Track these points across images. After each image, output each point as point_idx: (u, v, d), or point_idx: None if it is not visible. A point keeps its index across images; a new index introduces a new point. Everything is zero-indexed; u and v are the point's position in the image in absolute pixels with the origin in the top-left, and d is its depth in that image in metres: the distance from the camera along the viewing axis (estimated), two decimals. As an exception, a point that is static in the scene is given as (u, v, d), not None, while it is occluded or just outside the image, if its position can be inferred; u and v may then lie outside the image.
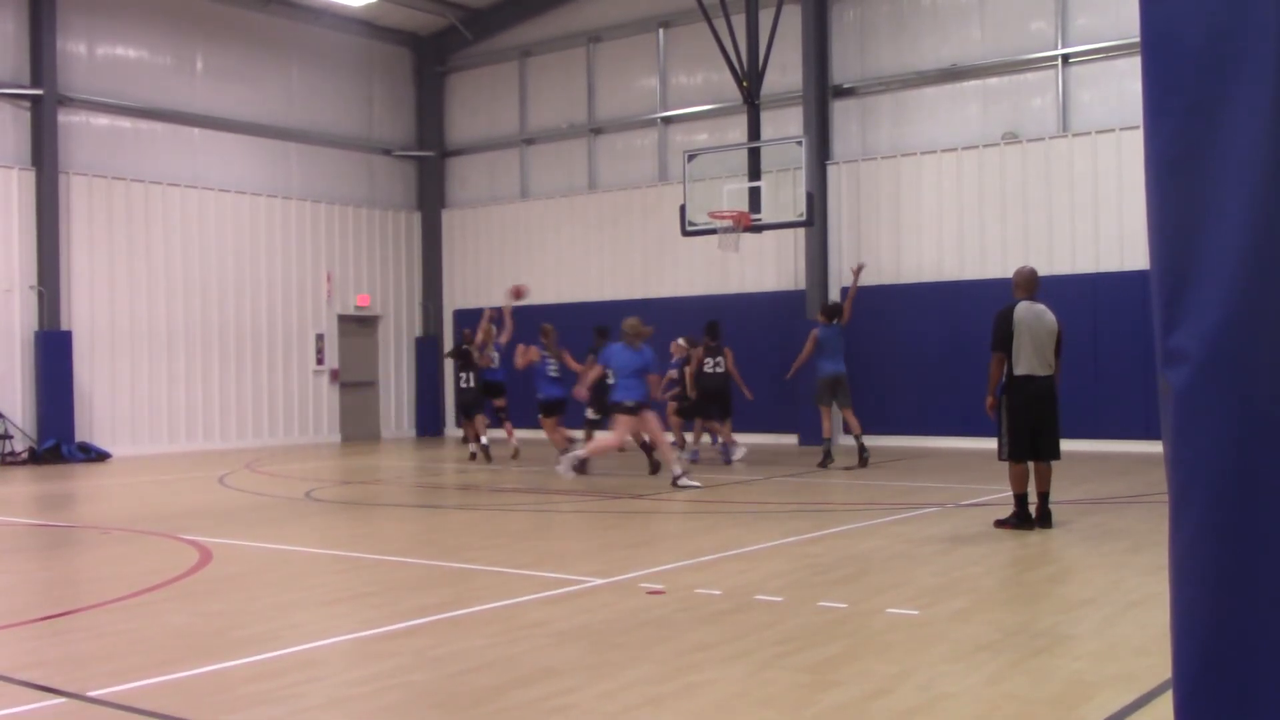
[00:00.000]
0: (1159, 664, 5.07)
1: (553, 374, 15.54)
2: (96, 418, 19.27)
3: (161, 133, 20.48)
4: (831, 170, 19.54)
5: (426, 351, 24.29)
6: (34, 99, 18.79)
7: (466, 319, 23.07)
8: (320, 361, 22.58)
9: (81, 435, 18.93)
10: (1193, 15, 2.43)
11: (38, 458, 18.12)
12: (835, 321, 15.03)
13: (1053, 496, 9.58)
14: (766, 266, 20.15)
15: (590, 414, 15.15)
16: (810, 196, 16.98)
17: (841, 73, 19.62)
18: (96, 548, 9.61)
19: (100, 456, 18.68)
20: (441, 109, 24.63)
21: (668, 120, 21.62)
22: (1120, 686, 4.81)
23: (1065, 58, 17.64)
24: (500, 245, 23.66)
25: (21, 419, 18.53)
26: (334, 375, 22.81)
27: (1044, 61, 17.84)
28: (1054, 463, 9.33)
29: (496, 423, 17.84)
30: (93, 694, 4.98)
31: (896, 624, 6.04)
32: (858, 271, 15.92)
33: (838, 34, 19.63)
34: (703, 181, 17.48)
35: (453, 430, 22.99)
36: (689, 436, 16.45)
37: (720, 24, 17.04)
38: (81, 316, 19.22)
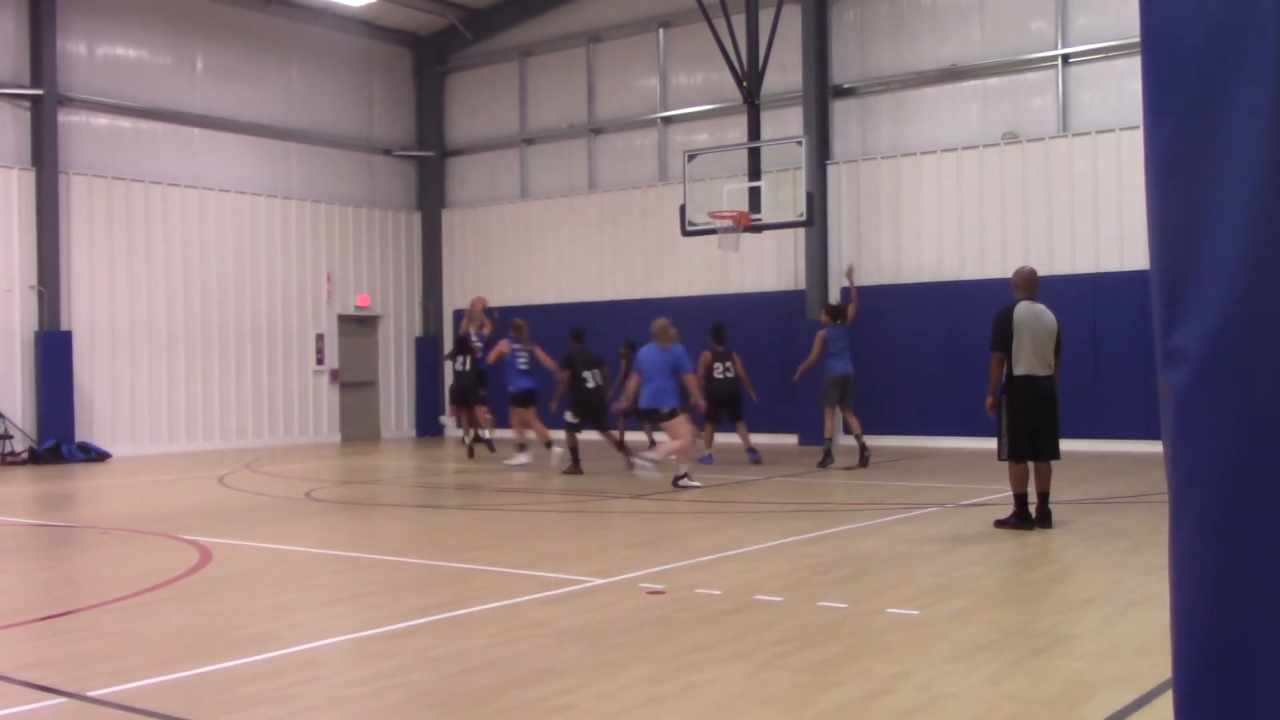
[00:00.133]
0: (1159, 664, 5.08)
1: (523, 366, 15.64)
2: (96, 418, 19.27)
3: (161, 133, 20.48)
4: (831, 170, 19.54)
5: (426, 351, 24.29)
6: (34, 99, 18.79)
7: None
8: (320, 361, 22.58)
9: (81, 435, 18.92)
10: (1193, 15, 2.43)
11: (38, 458, 18.12)
12: (839, 321, 15.05)
13: (1053, 496, 9.58)
14: (766, 266, 20.15)
15: (569, 417, 15.04)
16: (810, 196, 16.98)
17: (841, 73, 19.62)
18: (96, 548, 9.61)
19: (100, 456, 18.68)
20: (441, 109, 24.63)
21: (668, 120, 21.62)
22: (1120, 686, 4.82)
23: (1065, 58, 17.64)
24: (500, 245, 23.66)
25: (21, 419, 18.53)
26: (334, 375, 22.81)
27: (1044, 61, 17.84)
28: (1054, 463, 9.34)
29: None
30: (93, 694, 4.98)
31: (896, 624, 6.04)
32: (850, 273, 15.95)
33: (838, 34, 19.63)
34: (703, 181, 17.48)
35: (453, 430, 22.96)
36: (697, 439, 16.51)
37: (720, 24, 17.04)
38: (81, 316, 19.22)
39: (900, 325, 18.50)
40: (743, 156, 17.38)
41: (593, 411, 14.99)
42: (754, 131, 17.44)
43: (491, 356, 15.97)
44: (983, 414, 9.68)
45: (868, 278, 19.17)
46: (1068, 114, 17.61)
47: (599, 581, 7.35)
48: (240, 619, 6.47)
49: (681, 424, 12.75)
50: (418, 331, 24.46)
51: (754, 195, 17.00)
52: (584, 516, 11.03)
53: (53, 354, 18.61)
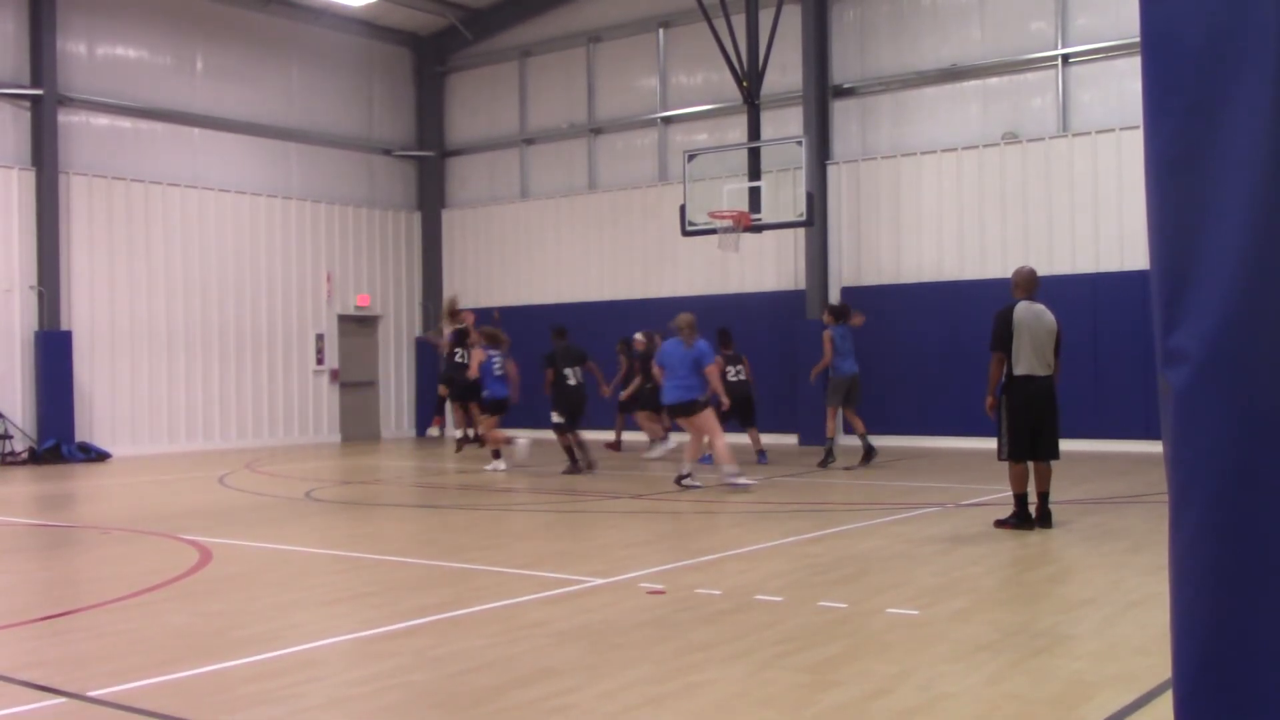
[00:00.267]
0: (1159, 664, 5.08)
1: (498, 373, 15.68)
2: (96, 418, 19.27)
3: (161, 133, 20.48)
4: (831, 170, 19.55)
5: (426, 351, 24.26)
6: (34, 99, 18.79)
7: (466, 319, 23.08)
8: (320, 361, 22.58)
9: (81, 435, 18.92)
10: (1193, 15, 2.43)
11: (38, 458, 18.12)
12: (842, 322, 15.06)
13: (1053, 496, 9.58)
14: (766, 266, 20.15)
15: (555, 417, 15.07)
16: (810, 196, 16.98)
17: (841, 73, 19.62)
18: (96, 548, 9.61)
19: (100, 456, 18.68)
20: (441, 109, 24.63)
21: (668, 120, 21.62)
22: (1120, 686, 4.82)
23: (1065, 58, 17.64)
24: (500, 245, 23.66)
25: (21, 419, 18.53)
26: (334, 375, 22.81)
27: (1044, 61, 17.84)
28: (1054, 463, 9.34)
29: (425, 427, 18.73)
30: (93, 694, 4.98)
31: (896, 624, 6.04)
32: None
33: (838, 34, 19.63)
34: (703, 181, 17.48)
35: (452, 431, 22.91)
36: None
37: (720, 24, 17.04)
38: (81, 316, 19.22)
39: (900, 325, 18.49)
40: (743, 156, 17.38)
41: (573, 409, 15.04)
42: (754, 131, 17.44)
43: (473, 369, 15.92)
44: (983, 414, 9.68)
45: (868, 278, 19.18)
46: (1068, 114, 17.62)
47: (599, 581, 7.35)
48: (240, 619, 6.47)
49: (710, 416, 12.71)
50: (418, 331, 24.45)
51: (754, 195, 17.00)
52: (584, 516, 11.03)
53: (53, 354, 18.61)
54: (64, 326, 18.92)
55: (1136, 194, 15.57)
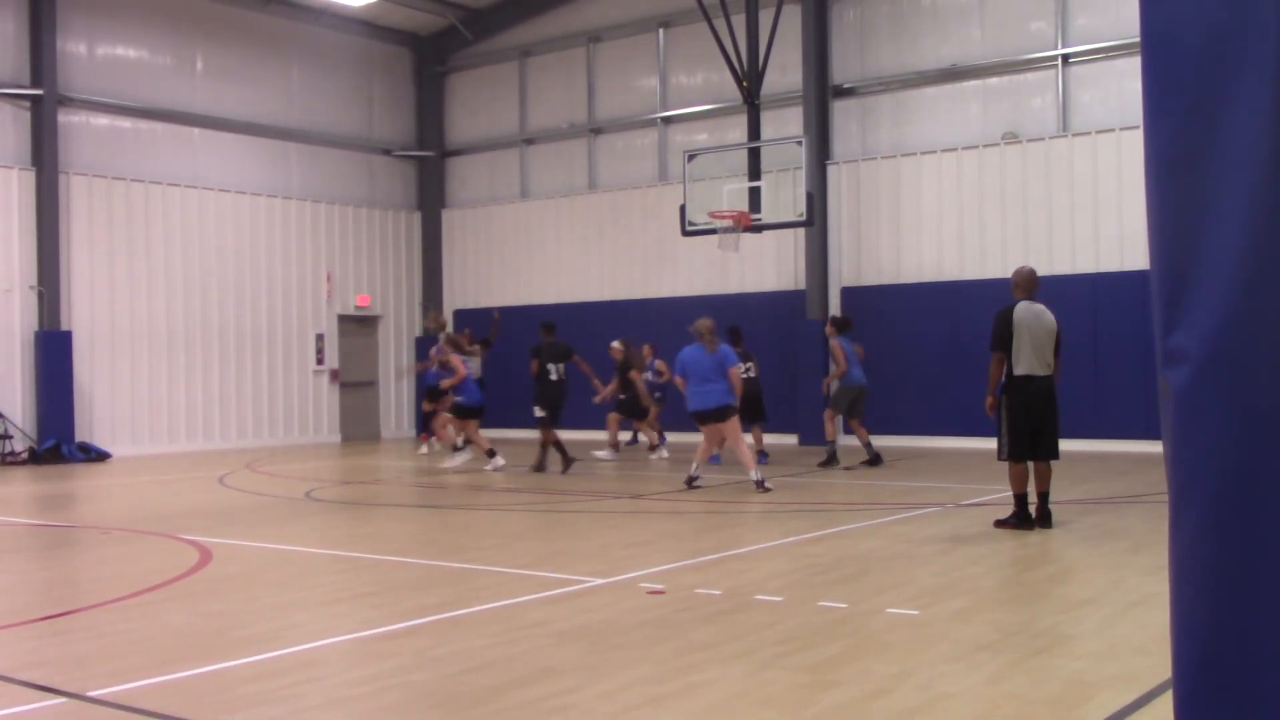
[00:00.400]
0: (1159, 664, 5.08)
1: (476, 377, 15.79)
2: (96, 418, 19.27)
3: (161, 133, 20.48)
4: (831, 170, 19.55)
5: (426, 351, 24.27)
6: (34, 99, 18.79)
7: (467, 319, 23.10)
8: (320, 361, 22.58)
9: (81, 435, 18.92)
10: (1193, 15, 2.43)
11: (38, 458, 18.12)
12: (845, 332, 15.10)
13: (1053, 496, 9.58)
14: (766, 266, 20.15)
15: (538, 413, 15.14)
16: (810, 196, 16.98)
17: (841, 73, 19.62)
18: (96, 548, 9.61)
19: (100, 456, 18.68)
20: (441, 109, 24.63)
21: (668, 120, 21.62)
22: (1120, 686, 4.82)
23: (1065, 58, 17.64)
24: (500, 245, 23.66)
25: (21, 419, 18.53)
26: (334, 375, 22.81)
27: (1044, 61, 17.84)
28: (1054, 463, 9.34)
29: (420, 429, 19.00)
30: (93, 694, 4.98)
31: (896, 624, 6.04)
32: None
33: (838, 34, 19.63)
34: (703, 181, 17.48)
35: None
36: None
37: (720, 24, 17.04)
38: (81, 316, 19.22)
39: (900, 325, 18.50)
40: (743, 156, 17.38)
41: (553, 404, 15.09)
42: (754, 131, 17.44)
43: (458, 377, 15.91)
44: (983, 414, 9.68)
45: (867, 278, 19.19)
46: (1068, 114, 17.62)
47: (599, 581, 7.35)
48: (240, 619, 6.47)
49: (737, 422, 12.63)
50: (418, 331, 24.45)
51: (754, 195, 17.00)
52: (584, 516, 11.03)
53: (53, 354, 18.61)
54: (64, 326, 18.92)
55: (1136, 194, 15.57)
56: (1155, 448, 12.34)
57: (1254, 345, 2.34)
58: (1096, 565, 7.70)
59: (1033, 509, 9.29)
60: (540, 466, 15.11)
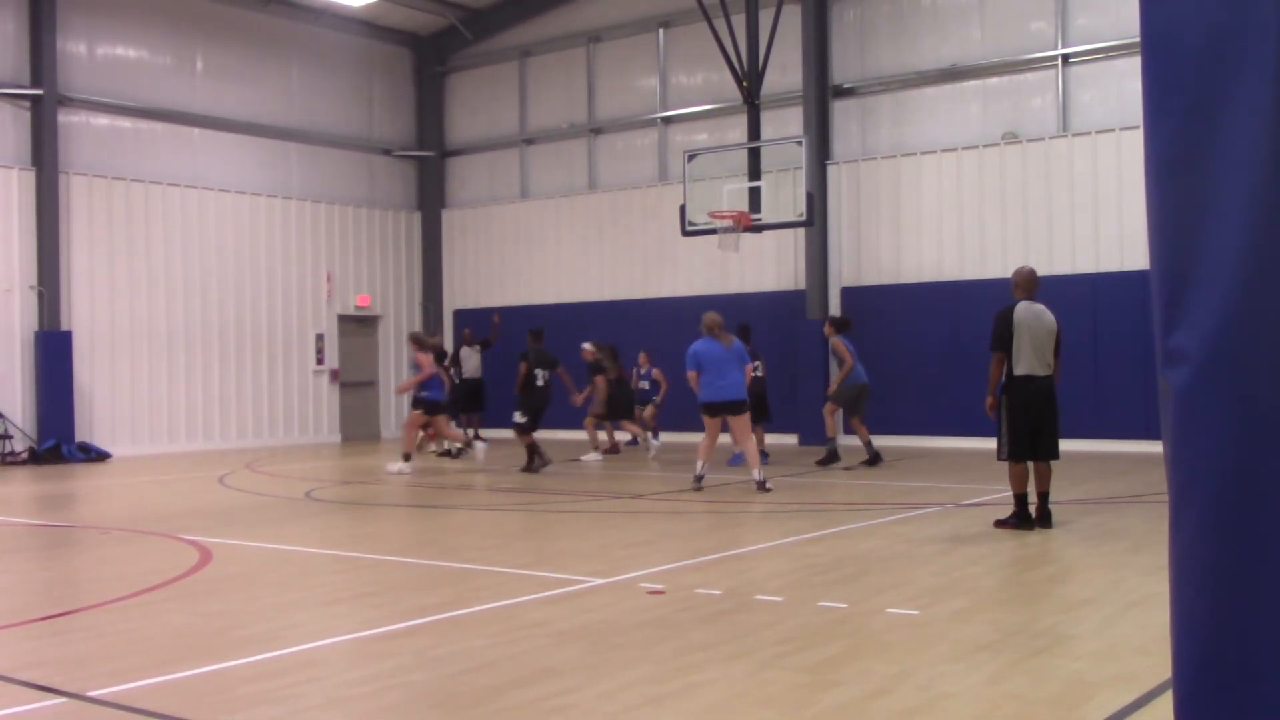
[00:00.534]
0: (1159, 664, 5.07)
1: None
2: (96, 418, 19.27)
3: (161, 133, 20.48)
4: (831, 170, 19.55)
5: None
6: (34, 99, 18.79)
7: (466, 319, 23.11)
8: (320, 361, 22.58)
9: (81, 435, 18.92)
10: (1193, 15, 2.43)
11: (38, 458, 18.12)
12: (845, 332, 15.09)
13: (1053, 496, 9.58)
14: (766, 266, 20.15)
15: (518, 417, 15.16)
16: (810, 196, 16.98)
17: (841, 73, 19.62)
18: (96, 548, 9.61)
19: (100, 456, 18.68)
20: (441, 109, 24.63)
21: (668, 120, 21.62)
22: (1120, 686, 4.82)
23: (1065, 58, 17.64)
24: (500, 245, 23.66)
25: (21, 419, 18.53)
26: (334, 375, 22.81)
27: (1044, 61, 17.84)
28: (1054, 463, 9.34)
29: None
30: (93, 694, 4.98)
31: (896, 624, 6.04)
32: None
33: (838, 34, 19.63)
34: (703, 181, 17.48)
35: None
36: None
37: (720, 24, 17.04)
38: (81, 316, 19.22)
39: (900, 325, 18.50)
40: (743, 156, 17.38)
41: (537, 410, 15.19)
42: (754, 131, 17.44)
43: (426, 374, 15.93)
44: (983, 414, 9.68)
45: (868, 278, 19.19)
46: (1068, 114, 17.62)
47: (599, 581, 7.35)
48: (240, 619, 6.47)
49: (748, 420, 12.51)
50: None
51: (754, 195, 17.00)
52: (584, 516, 11.03)
53: (53, 354, 18.61)
54: (64, 326, 18.92)
55: (1136, 194, 15.57)
56: (1155, 448, 12.34)
57: (1254, 345, 2.34)
58: (1096, 565, 7.70)
59: (1033, 509, 9.28)
60: (530, 467, 15.12)
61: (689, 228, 17.47)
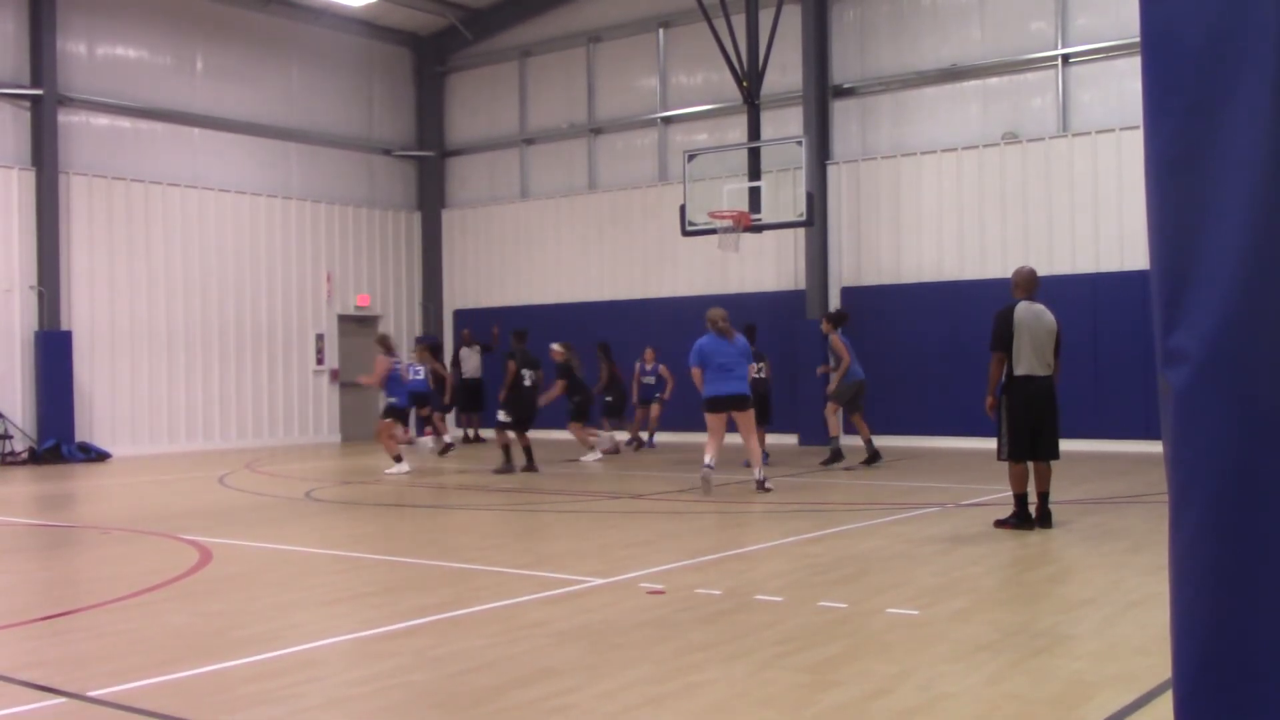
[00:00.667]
0: (1159, 664, 5.07)
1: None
2: (96, 418, 19.27)
3: (161, 133, 20.48)
4: (831, 170, 19.55)
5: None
6: (34, 99, 18.79)
7: (466, 319, 23.12)
8: (320, 361, 22.58)
9: (81, 435, 18.92)
10: (1193, 15, 2.43)
11: (38, 458, 18.12)
12: (842, 327, 15.07)
13: (1053, 496, 9.58)
14: (766, 266, 20.15)
15: (502, 416, 15.19)
16: (810, 196, 16.98)
17: (841, 73, 19.62)
18: (96, 548, 9.61)
19: (100, 456, 18.68)
20: (441, 109, 24.63)
21: (668, 120, 21.62)
22: (1120, 686, 4.82)
23: (1065, 58, 17.64)
24: (500, 245, 23.66)
25: (21, 419, 18.53)
26: (334, 375, 22.81)
27: (1044, 61, 17.85)
28: (1054, 463, 9.34)
29: (419, 431, 20.08)
30: (93, 694, 4.98)
31: (896, 624, 6.04)
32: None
33: (838, 34, 19.63)
34: (703, 181, 17.48)
35: (453, 431, 22.96)
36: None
37: (720, 24, 17.04)
38: (81, 316, 19.22)
39: (900, 325, 18.50)
40: (743, 156, 17.38)
41: (526, 411, 15.24)
42: (754, 131, 17.44)
43: (379, 375, 15.92)
44: (983, 414, 9.68)
45: (868, 278, 19.19)
46: (1068, 114, 17.62)
47: (599, 581, 7.35)
48: (240, 619, 6.47)
49: (752, 416, 12.47)
50: (418, 331, 24.45)
51: (754, 195, 17.00)
52: (584, 516, 11.03)
53: (53, 354, 18.61)
54: (64, 326, 18.92)
55: (1136, 194, 15.57)
56: (1155, 448, 12.33)
57: (1254, 345, 2.34)
58: (1096, 565, 7.70)
59: (1033, 509, 9.28)
60: (531, 466, 15.12)
61: (689, 228, 17.47)
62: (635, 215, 21.74)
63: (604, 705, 4.67)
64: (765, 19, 17.37)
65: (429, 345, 20.49)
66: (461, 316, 23.70)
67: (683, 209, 17.53)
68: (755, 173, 17.10)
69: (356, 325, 23.43)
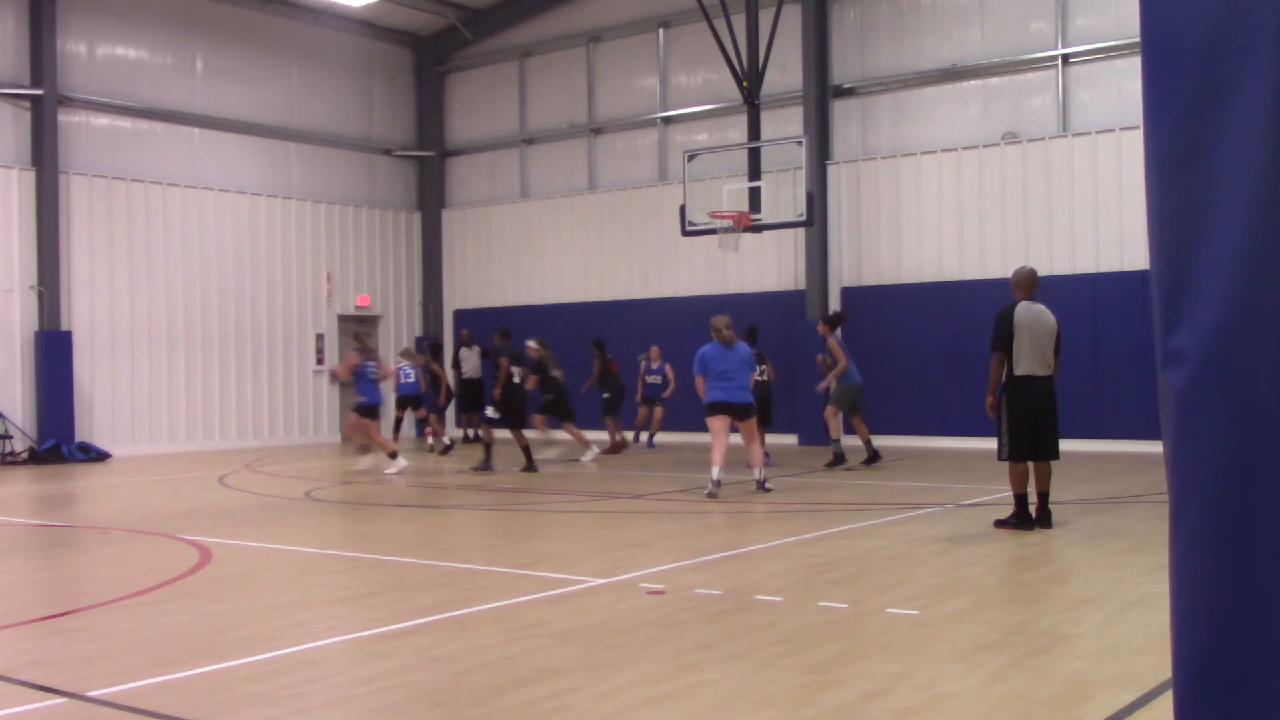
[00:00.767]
0: (1159, 664, 5.08)
1: (374, 376, 15.81)
2: (96, 418, 19.27)
3: (161, 133, 20.48)
4: (831, 170, 19.55)
5: (423, 353, 24.27)
6: (34, 99, 18.79)
7: (466, 319, 23.11)
8: (320, 361, 22.58)
9: (81, 435, 18.92)
10: (1193, 15, 2.43)
11: (38, 458, 18.12)
12: (837, 330, 15.08)
13: (1053, 496, 9.59)
14: (766, 266, 20.15)
15: (490, 413, 15.26)
16: (810, 196, 16.98)
17: (841, 73, 19.62)
18: (96, 548, 9.61)
19: (100, 456, 18.68)
20: (441, 109, 24.63)
21: (668, 120, 21.62)
22: (1120, 686, 4.82)
23: (1065, 58, 17.64)
24: (500, 245, 23.67)
25: (21, 419, 18.53)
26: (334, 375, 22.79)
27: (1044, 61, 17.85)
28: (1054, 463, 9.34)
29: (419, 432, 20.34)
30: (93, 694, 4.98)
31: (896, 624, 6.04)
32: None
33: (838, 34, 19.63)
34: (703, 181, 17.48)
35: (453, 431, 22.97)
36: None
37: (720, 24, 17.04)
38: (81, 316, 19.22)
39: (900, 325, 18.50)
40: (743, 156, 17.38)
41: (517, 408, 15.28)
42: (754, 131, 17.44)
43: (344, 370, 16.02)
44: (983, 414, 9.68)
45: (868, 278, 19.19)
46: (1068, 114, 17.62)
47: (599, 581, 7.35)
48: (240, 619, 6.47)
49: (755, 421, 12.49)
50: (418, 331, 24.46)
51: (754, 195, 17.00)
52: (584, 516, 11.03)
53: (53, 354, 18.61)
54: (64, 326, 18.92)
55: (1136, 194, 15.58)
56: (1155, 448, 12.35)
57: (1254, 345, 2.34)
58: (1096, 565, 7.70)
59: (1033, 509, 9.28)
60: (530, 466, 15.12)
61: (689, 228, 17.47)
62: (635, 215, 21.74)
63: (604, 705, 4.67)
64: (765, 19, 17.37)
65: (430, 346, 20.57)
66: (461, 316, 23.70)
67: (683, 209, 17.53)
68: (755, 173, 17.11)
69: (357, 325, 23.41)
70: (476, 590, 7.17)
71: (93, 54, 19.73)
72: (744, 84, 17.24)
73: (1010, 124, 18.10)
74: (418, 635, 5.97)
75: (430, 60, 24.42)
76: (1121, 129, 16.90)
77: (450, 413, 21.91)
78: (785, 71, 19.49)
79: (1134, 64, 16.54)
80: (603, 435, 18.53)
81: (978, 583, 7.18)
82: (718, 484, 11.89)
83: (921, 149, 18.81)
